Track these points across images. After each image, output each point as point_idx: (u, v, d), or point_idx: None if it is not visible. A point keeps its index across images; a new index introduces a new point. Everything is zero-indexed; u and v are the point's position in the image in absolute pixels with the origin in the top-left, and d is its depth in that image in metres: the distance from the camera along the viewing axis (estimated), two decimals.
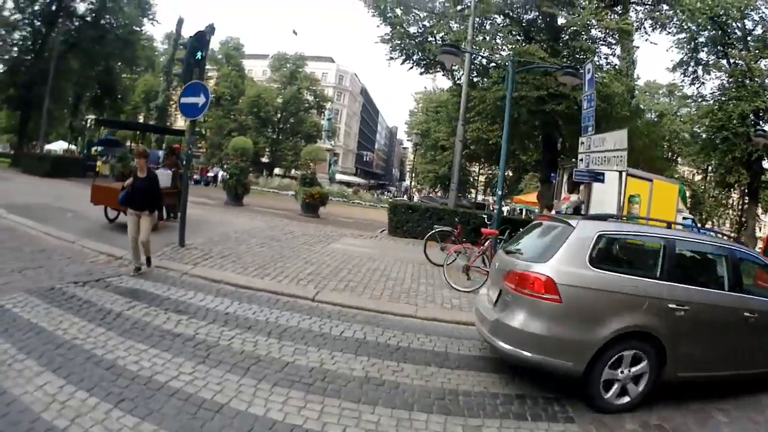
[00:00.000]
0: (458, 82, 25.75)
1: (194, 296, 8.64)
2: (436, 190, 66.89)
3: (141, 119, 67.23)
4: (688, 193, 35.65)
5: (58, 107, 43.46)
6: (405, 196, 62.00)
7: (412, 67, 25.43)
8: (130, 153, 27.64)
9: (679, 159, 48.23)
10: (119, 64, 45.46)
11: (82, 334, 6.34)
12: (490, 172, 63.26)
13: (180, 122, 75.55)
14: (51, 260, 9.95)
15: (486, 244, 12.31)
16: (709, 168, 41.25)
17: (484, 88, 22.88)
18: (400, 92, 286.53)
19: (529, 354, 5.80)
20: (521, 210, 52.16)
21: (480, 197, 69.13)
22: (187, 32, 40.89)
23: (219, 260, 11.20)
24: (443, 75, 26.71)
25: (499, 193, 14.78)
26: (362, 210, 38.19)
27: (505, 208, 70.34)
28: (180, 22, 61.31)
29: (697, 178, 49.57)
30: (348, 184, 61.18)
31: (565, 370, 5.83)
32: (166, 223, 14.21)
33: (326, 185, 43.29)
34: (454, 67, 24.05)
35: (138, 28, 43.28)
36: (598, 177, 13.08)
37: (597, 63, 21.20)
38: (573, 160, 20.78)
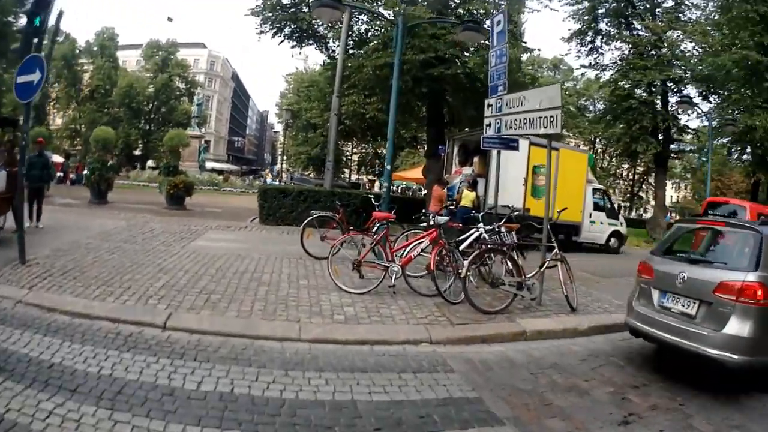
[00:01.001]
0: (333, 54, 23.84)
1: (20, 338, 5.96)
2: (308, 172, 64.31)
3: (20, 120, 59.70)
4: None
5: None
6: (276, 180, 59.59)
7: (283, 41, 23.38)
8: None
9: (563, 131, 47.99)
10: None
11: None
12: (363, 150, 62.08)
13: (59, 121, 69.65)
14: None
15: (380, 231, 9.73)
16: (609, 139, 40.67)
17: (362, 55, 20.56)
18: (271, 76, 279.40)
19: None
20: (399, 187, 50.77)
21: (354, 177, 67.69)
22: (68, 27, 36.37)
23: (59, 278, 8.35)
24: (316, 49, 24.52)
25: (388, 167, 12.30)
26: (233, 198, 35.40)
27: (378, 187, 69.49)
28: (60, 14, 55.11)
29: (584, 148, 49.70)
30: (220, 172, 57.38)
31: None
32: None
33: (196, 174, 39.90)
34: (329, 35, 21.85)
35: (10, 19, 38.74)
36: (511, 144, 11.44)
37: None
38: (467, 130, 19.07)
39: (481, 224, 10.15)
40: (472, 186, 16.20)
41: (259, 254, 11.46)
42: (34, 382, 4.85)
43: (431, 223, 9.64)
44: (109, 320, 6.79)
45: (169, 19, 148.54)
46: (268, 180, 42.48)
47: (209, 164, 62.29)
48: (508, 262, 8.83)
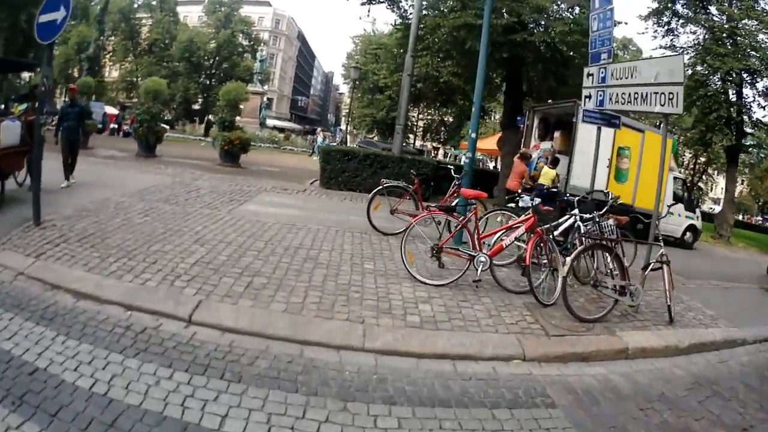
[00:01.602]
0: (405, 14, 22.13)
1: (7, 325, 4.75)
2: (373, 136, 62.74)
3: (75, 72, 60.59)
4: None
5: None
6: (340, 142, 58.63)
7: None
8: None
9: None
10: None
11: None
12: (429, 116, 60.80)
13: (115, 73, 69.99)
14: None
15: (469, 214, 7.82)
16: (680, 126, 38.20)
17: (438, 15, 18.71)
18: (338, 37, 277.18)
19: None
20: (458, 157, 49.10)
21: (418, 143, 66.27)
22: None
23: (75, 245, 6.97)
24: (387, 7, 22.54)
25: (474, 136, 10.38)
26: (292, 157, 33.80)
27: (441, 155, 67.69)
28: None
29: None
30: (281, 130, 56.12)
31: None
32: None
33: (256, 131, 38.61)
34: None
35: None
36: (613, 121, 10.29)
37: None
38: (550, 102, 17.29)
39: (576, 210, 8.34)
40: (553, 163, 14.45)
41: (318, 225, 9.91)
42: (4, 398, 3.60)
43: (521, 205, 7.92)
44: (121, 306, 5.43)
45: None
46: (319, 140, 40.49)
47: (271, 122, 61.11)
48: (614, 262, 7.41)
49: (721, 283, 11.65)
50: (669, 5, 27.42)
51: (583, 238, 7.89)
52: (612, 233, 8.20)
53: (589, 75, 9.83)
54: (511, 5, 15.90)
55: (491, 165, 45.64)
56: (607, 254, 7.51)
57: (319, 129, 48.72)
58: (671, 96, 7.50)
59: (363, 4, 21.80)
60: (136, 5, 67.97)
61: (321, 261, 7.47)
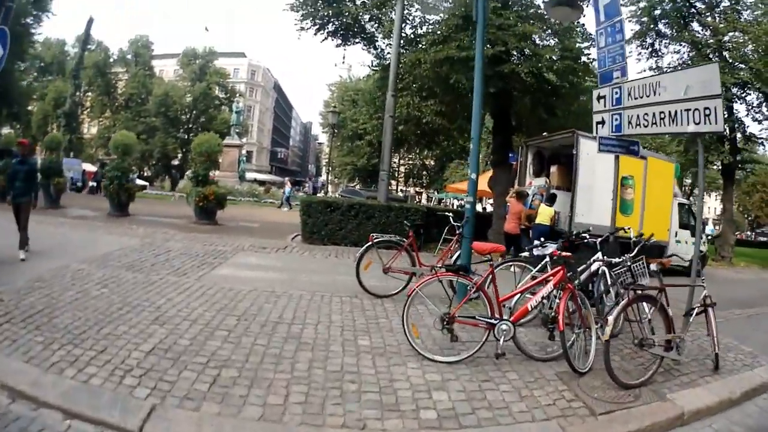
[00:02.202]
0: (382, 54, 21.54)
1: None
2: (354, 184, 62.03)
3: (54, 129, 58.96)
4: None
5: None
6: (320, 192, 57.66)
7: (326, 38, 20.55)
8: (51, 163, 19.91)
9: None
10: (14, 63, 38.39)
11: None
12: (411, 161, 61.67)
13: (93, 130, 69.42)
14: None
15: (484, 273, 6.51)
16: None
17: (419, 50, 17.72)
18: (314, 87, 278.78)
19: None
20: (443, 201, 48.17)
21: (400, 189, 66.04)
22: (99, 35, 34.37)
23: (19, 326, 5.78)
24: (363, 48, 21.73)
25: (474, 176, 9.00)
26: (273, 211, 31.99)
27: (425, 200, 66.99)
28: (90, 21, 55.05)
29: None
30: (262, 183, 54.76)
31: None
32: None
33: (235, 185, 37.35)
34: (377, 33, 19.28)
35: (27, 20, 36.75)
36: (632, 148, 9.07)
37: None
38: (545, 134, 16.40)
39: (599, 254, 7.23)
40: (549, 200, 13.95)
41: (300, 290, 8.64)
42: None
43: (536, 253, 6.89)
44: (59, 411, 4.29)
45: (206, 29, 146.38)
46: (287, 191, 37.92)
47: (252, 175, 59.92)
48: (659, 313, 6.17)
49: (744, 311, 11.11)
50: (651, 27, 26.91)
51: (622, 289, 6.67)
52: (644, 276, 7.06)
53: (600, 98, 8.85)
54: (497, 34, 14.97)
55: (479, 207, 44.82)
56: (651, 305, 6.31)
57: (287, 179, 46.94)
58: (707, 112, 6.53)
59: (338, 46, 20.90)
60: (111, 60, 67.49)
61: (305, 340, 6.17)
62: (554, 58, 15.97)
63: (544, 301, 6.23)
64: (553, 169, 15.96)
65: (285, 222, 21.84)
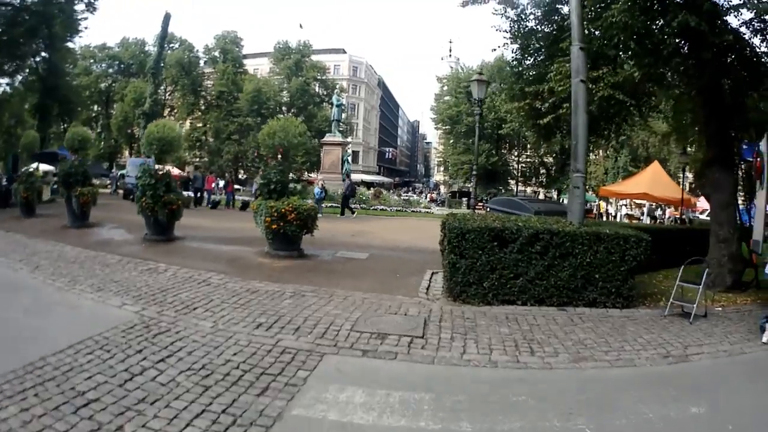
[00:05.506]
0: (524, 16, 14.34)
1: None
2: (469, 183, 55.73)
3: (134, 130, 58.13)
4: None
5: None
6: (426, 195, 52.10)
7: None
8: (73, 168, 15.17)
9: None
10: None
11: None
12: (528, 159, 59.72)
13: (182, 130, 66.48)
14: None
15: None
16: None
17: None
18: (418, 85, 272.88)
19: None
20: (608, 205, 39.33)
21: (518, 189, 60.26)
22: (178, 30, 30.48)
23: None
24: (494, 12, 14.51)
25: None
26: (386, 223, 23.11)
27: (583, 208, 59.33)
28: (167, 17, 52.02)
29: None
30: (370, 185, 47.72)
31: None
32: None
33: (338, 188, 29.71)
34: None
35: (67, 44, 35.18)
36: None
37: None
38: None
39: None
40: None
41: None
42: None
43: None
44: None
45: (300, 26, 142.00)
46: (317, 191, 26.91)
47: (358, 176, 54.89)
48: None
49: None
50: None
51: None
52: None
53: None
54: None
55: (668, 215, 34.87)
56: None
57: (319, 176, 33.20)
58: None
59: (464, 4, 13.92)
60: (197, 58, 65.29)
61: None
62: None
63: None
64: None
65: (406, 241, 15.41)
